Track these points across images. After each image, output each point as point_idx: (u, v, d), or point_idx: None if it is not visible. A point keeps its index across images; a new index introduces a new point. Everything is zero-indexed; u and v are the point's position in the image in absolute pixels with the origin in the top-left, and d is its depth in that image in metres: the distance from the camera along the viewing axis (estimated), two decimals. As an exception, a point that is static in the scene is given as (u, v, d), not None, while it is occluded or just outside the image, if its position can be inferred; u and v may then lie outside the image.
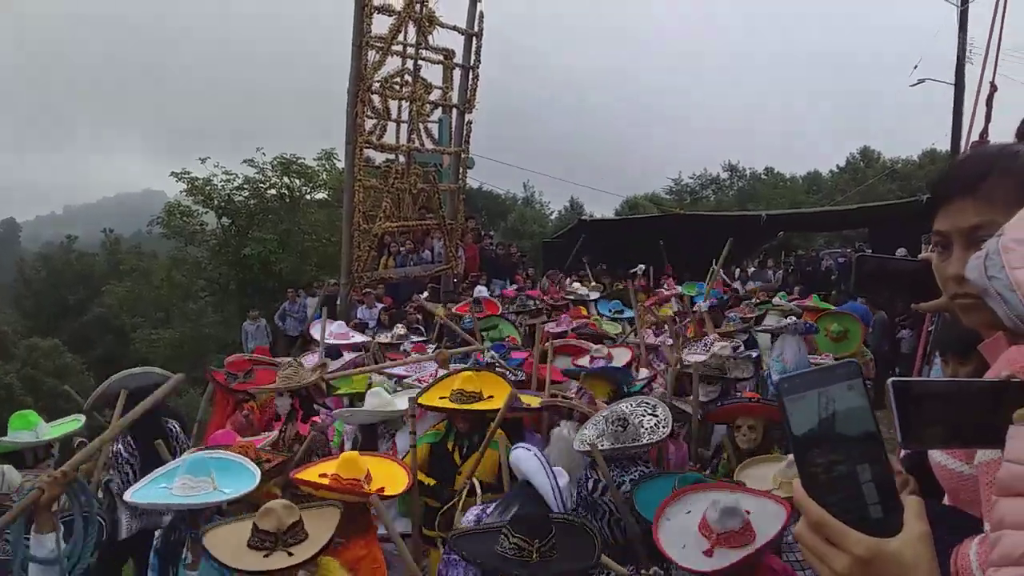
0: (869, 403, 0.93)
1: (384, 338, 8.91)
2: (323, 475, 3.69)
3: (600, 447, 4.19)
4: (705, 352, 7.07)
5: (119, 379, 5.45)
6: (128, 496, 3.70)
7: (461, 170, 15.15)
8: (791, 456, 4.07)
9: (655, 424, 4.45)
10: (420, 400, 4.73)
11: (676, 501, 3.52)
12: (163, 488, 3.66)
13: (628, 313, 10.70)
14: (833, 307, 10.38)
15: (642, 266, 15.78)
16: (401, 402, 5.09)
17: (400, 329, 9.29)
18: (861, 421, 0.92)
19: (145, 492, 3.67)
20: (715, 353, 6.78)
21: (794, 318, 8.32)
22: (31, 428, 5.02)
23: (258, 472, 3.83)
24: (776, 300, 10.63)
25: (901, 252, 14.59)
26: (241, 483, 3.73)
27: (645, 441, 4.34)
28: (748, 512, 3.21)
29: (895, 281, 1.74)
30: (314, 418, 5.45)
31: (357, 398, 6.31)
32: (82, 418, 5.42)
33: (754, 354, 7.45)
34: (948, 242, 1.29)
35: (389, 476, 3.89)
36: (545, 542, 3.02)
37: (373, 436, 5.19)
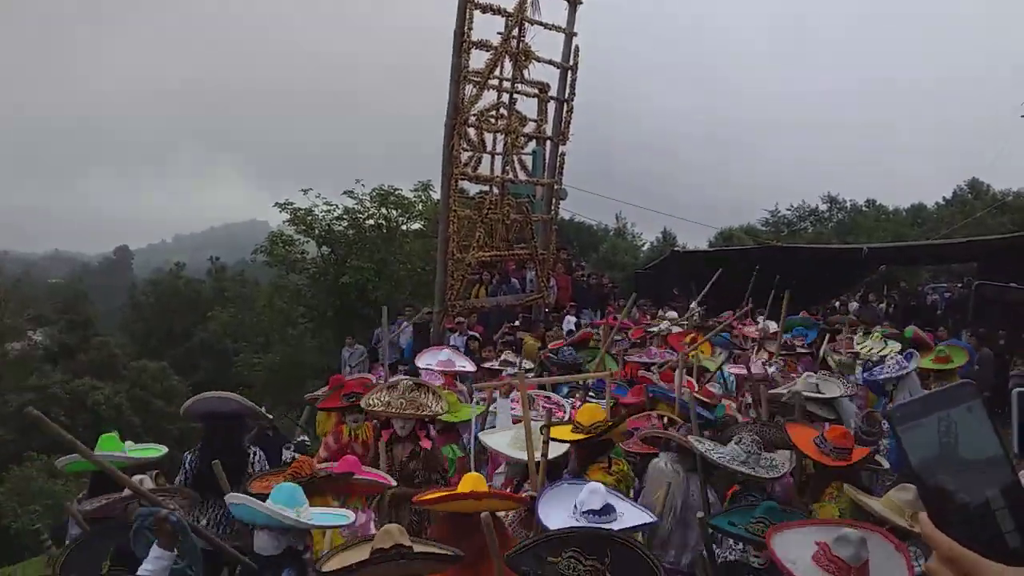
0: (993, 424, 0.87)
1: (491, 365, 8.98)
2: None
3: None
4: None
5: (198, 401, 5.49)
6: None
7: (554, 201, 15.26)
8: (911, 487, 3.96)
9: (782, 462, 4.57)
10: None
11: (778, 534, 3.44)
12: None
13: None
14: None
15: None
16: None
17: (509, 356, 9.35)
18: (987, 444, 0.87)
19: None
20: (796, 391, 6.66)
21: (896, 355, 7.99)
22: (121, 448, 5.09)
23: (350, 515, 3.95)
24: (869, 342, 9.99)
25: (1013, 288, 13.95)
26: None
27: (784, 471, 4.55)
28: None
29: (1015, 310, 1.68)
30: (423, 443, 5.52)
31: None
32: (164, 448, 5.46)
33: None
34: None
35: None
36: (600, 560, 2.94)
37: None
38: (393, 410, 5.35)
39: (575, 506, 3.65)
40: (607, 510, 3.61)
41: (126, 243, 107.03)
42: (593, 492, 3.66)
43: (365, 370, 15.30)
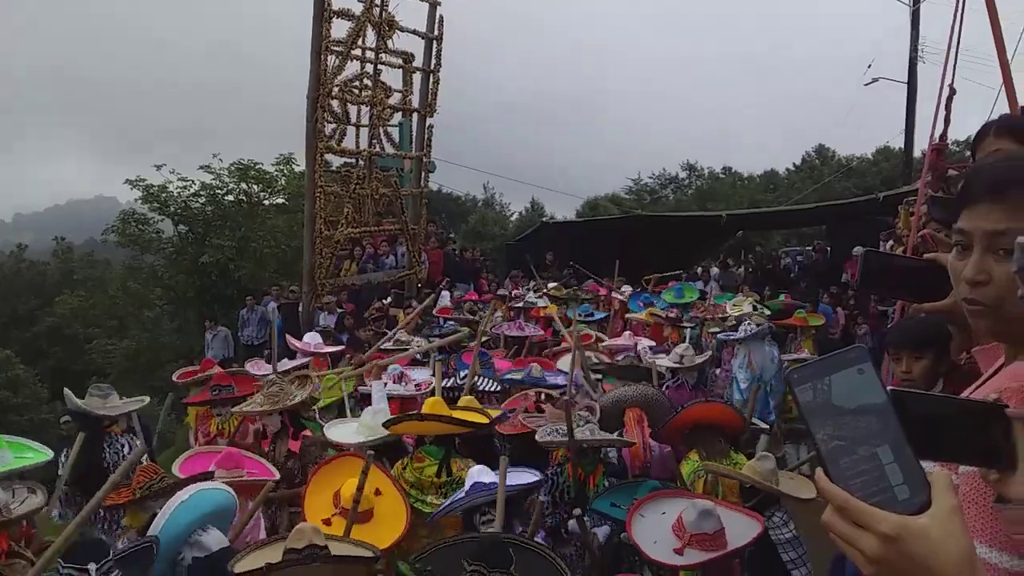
0: (882, 386, 0.94)
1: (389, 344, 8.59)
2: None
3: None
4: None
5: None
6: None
7: (423, 174, 15.05)
8: (770, 456, 4.11)
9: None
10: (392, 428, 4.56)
11: (652, 502, 3.60)
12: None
13: (598, 316, 10.77)
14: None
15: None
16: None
17: (403, 335, 9.03)
18: (876, 405, 0.93)
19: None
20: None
21: (762, 323, 8.35)
22: None
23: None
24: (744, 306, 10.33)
25: (859, 250, 14.80)
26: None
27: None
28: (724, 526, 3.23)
29: (900, 278, 1.74)
30: (304, 432, 5.30)
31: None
32: (49, 452, 4.81)
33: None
34: (969, 244, 1.27)
35: (391, 511, 3.73)
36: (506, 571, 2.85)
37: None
38: (256, 408, 5.14)
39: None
40: (478, 486, 3.67)
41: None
42: (480, 470, 3.80)
43: (229, 352, 14.83)
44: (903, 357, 3.30)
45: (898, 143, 24.82)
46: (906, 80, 22.09)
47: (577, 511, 3.72)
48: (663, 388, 6.29)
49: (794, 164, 42.17)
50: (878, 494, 0.90)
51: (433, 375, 6.51)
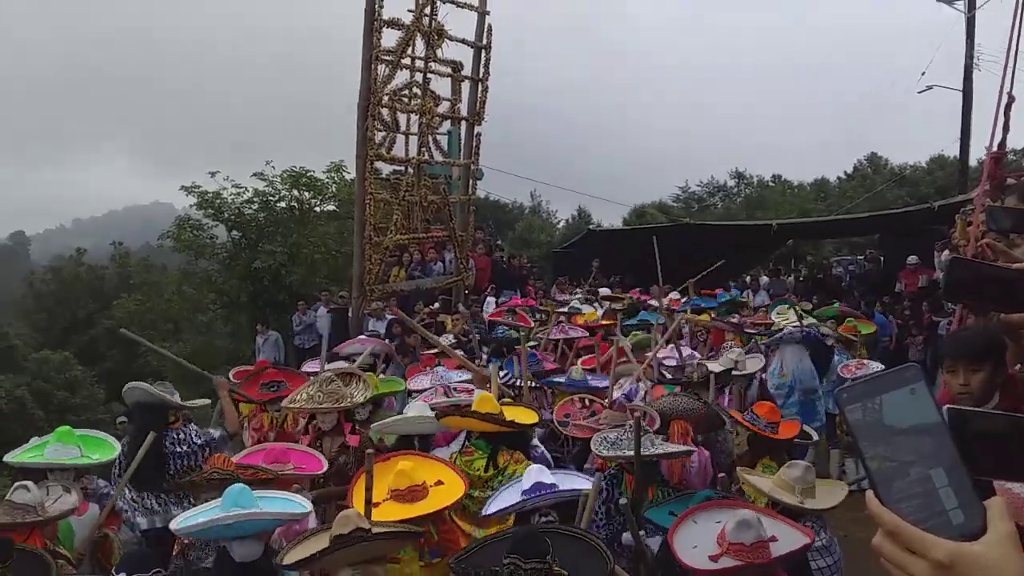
0: (936, 406, 0.90)
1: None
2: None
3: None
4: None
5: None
6: (176, 525, 3.53)
7: (471, 182, 15.15)
8: (800, 463, 4.07)
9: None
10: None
11: (709, 510, 3.50)
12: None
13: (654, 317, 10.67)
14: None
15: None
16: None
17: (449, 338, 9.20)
18: (930, 425, 0.89)
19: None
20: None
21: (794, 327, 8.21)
22: (75, 442, 4.76)
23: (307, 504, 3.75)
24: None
25: (913, 259, 14.55)
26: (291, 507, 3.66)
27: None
28: (775, 538, 3.16)
29: (988, 288, 1.69)
30: (349, 439, 5.39)
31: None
32: (117, 447, 5.12)
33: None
34: None
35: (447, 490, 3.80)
36: (542, 560, 2.82)
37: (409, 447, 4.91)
38: (312, 405, 5.21)
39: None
40: (539, 487, 3.66)
41: (21, 228, 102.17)
42: (539, 471, 3.80)
43: (280, 356, 15.07)
44: (959, 369, 3.18)
45: (952, 151, 24.22)
46: (961, 87, 21.61)
47: (623, 500, 3.70)
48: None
49: (845, 172, 41.38)
50: (931, 518, 0.87)
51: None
